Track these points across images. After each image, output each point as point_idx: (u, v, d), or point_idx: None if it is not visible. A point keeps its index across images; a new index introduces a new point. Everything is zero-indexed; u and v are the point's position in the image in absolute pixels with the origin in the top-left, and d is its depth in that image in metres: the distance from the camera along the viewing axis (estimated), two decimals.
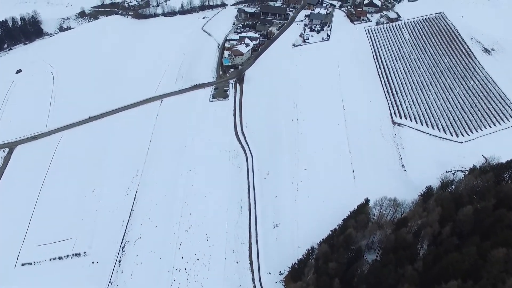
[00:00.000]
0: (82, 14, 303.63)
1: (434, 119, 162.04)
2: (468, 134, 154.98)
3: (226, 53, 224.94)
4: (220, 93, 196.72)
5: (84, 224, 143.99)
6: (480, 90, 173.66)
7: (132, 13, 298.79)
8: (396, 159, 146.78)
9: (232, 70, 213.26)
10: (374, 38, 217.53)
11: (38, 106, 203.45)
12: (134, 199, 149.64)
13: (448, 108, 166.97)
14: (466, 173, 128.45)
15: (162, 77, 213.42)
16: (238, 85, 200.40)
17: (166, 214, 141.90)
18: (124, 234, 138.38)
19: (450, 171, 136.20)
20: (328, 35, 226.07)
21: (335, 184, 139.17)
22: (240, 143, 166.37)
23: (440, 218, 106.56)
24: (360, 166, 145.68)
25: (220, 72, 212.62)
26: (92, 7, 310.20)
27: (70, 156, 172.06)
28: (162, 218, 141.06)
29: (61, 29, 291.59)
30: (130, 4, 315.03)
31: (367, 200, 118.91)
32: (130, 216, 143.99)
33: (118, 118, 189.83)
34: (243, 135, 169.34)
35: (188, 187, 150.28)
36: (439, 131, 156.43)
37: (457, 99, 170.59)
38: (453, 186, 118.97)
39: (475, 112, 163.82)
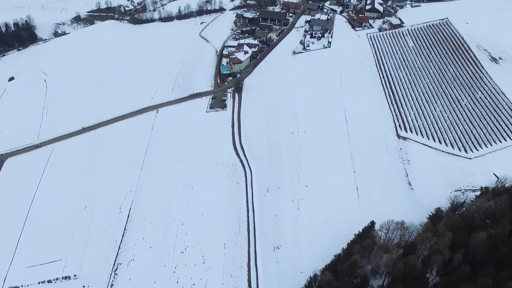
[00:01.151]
0: (77, 19, 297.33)
1: (441, 133, 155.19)
2: (477, 150, 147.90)
3: (224, 61, 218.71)
4: (217, 103, 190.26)
5: (75, 244, 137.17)
6: (488, 101, 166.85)
7: (128, 18, 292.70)
8: (402, 176, 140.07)
9: (230, 78, 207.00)
10: (376, 45, 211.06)
11: (30, 116, 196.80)
12: (128, 217, 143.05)
13: (455, 121, 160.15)
14: (477, 192, 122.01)
15: (158, 85, 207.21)
16: (236, 95, 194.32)
17: (161, 234, 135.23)
18: (117, 255, 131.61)
19: (459, 190, 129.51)
20: (329, 42, 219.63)
21: (338, 202, 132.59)
22: (239, 157, 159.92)
23: (451, 244, 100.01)
24: (364, 183, 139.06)
25: (218, 81, 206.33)
26: (87, 12, 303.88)
27: (62, 170, 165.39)
28: (156, 238, 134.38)
29: (56, 34, 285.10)
30: (126, 8, 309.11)
31: (372, 223, 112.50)
32: (123, 235, 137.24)
33: (112, 129, 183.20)
34: (242, 148, 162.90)
35: (184, 204, 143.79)
36: (447, 146, 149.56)
37: (464, 111, 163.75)
38: (464, 209, 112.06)
39: (484, 126, 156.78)
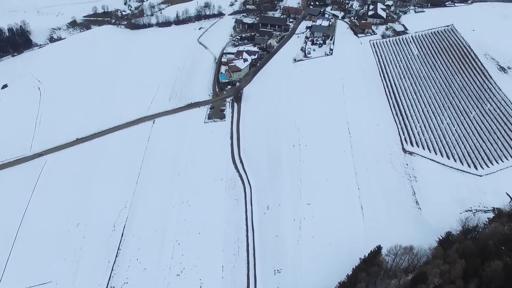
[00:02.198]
0: (73, 24, 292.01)
1: (448, 148, 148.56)
2: (488, 166, 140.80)
3: (223, 68, 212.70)
4: (216, 113, 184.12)
5: (66, 264, 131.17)
6: (498, 114, 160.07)
7: (125, 22, 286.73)
8: (408, 194, 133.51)
9: (229, 87, 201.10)
10: (380, 53, 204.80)
11: (23, 126, 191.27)
12: (122, 236, 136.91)
13: (464, 135, 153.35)
14: (489, 213, 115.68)
15: (155, 94, 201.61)
16: (235, 104, 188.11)
17: (156, 255, 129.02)
18: (110, 277, 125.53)
19: (469, 210, 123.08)
20: (331, 49, 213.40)
21: (342, 222, 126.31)
22: (238, 171, 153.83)
23: (463, 273, 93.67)
24: (369, 201, 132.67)
25: (217, 90, 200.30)
26: (83, 16, 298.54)
27: (54, 184, 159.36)
28: (151, 259, 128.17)
29: (51, 39, 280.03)
30: (124, 13, 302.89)
31: (379, 248, 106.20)
32: (116, 256, 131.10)
33: (107, 140, 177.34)
34: (241, 162, 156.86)
35: (180, 222, 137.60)
36: (455, 161, 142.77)
37: (473, 124, 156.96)
38: (476, 233, 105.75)
39: (494, 141, 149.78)
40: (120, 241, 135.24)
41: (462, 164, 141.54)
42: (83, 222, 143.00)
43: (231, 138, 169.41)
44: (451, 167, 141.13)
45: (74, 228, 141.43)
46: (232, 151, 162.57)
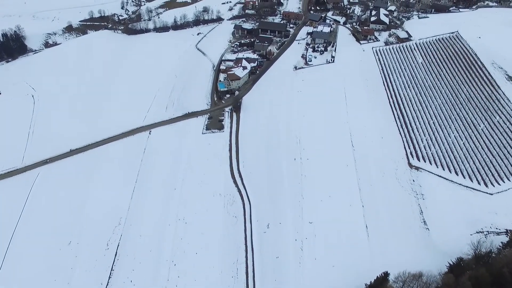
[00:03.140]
0: (69, 29, 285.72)
1: (457, 163, 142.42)
2: (498, 184, 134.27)
3: (221, 76, 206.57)
4: (214, 124, 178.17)
5: (57, 286, 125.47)
6: (507, 127, 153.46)
7: (122, 27, 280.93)
8: (416, 214, 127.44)
9: (228, 96, 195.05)
10: (383, 61, 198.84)
11: (15, 137, 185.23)
12: (115, 255, 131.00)
13: (472, 149, 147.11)
14: (501, 235, 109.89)
15: (152, 103, 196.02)
16: (234, 114, 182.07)
17: (151, 277, 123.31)
18: None
19: (481, 232, 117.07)
20: (333, 57, 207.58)
21: (346, 243, 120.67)
22: (237, 186, 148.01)
23: None
24: (375, 220, 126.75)
25: (215, 98, 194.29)
26: (80, 21, 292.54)
27: (45, 198, 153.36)
28: (146, 282, 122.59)
29: (47, 45, 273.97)
30: (121, 17, 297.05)
31: (386, 274, 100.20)
32: (109, 277, 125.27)
33: (101, 152, 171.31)
34: (240, 176, 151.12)
35: (176, 241, 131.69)
36: (464, 178, 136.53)
37: (482, 138, 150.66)
38: (490, 259, 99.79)
39: (505, 156, 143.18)
40: (114, 261, 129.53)
41: (472, 181, 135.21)
42: (75, 240, 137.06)
43: (230, 150, 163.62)
44: (459, 184, 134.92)
45: (65, 247, 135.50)
46: (231, 164, 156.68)
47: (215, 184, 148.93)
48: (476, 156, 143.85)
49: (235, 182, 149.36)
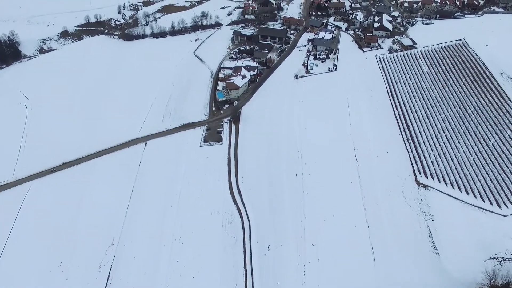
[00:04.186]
0: (64, 34, 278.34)
1: (467, 181, 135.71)
2: None
3: (220, 85, 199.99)
4: (212, 136, 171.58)
5: None
6: None
7: (119, 33, 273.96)
8: (425, 236, 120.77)
9: (226, 105, 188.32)
10: (387, 69, 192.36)
11: (6, 148, 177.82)
12: (108, 278, 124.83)
13: (483, 166, 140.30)
14: None
15: (148, 113, 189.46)
16: (233, 125, 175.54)
17: None
18: None
19: (495, 258, 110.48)
20: (335, 65, 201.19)
21: (351, 268, 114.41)
22: (235, 203, 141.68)
23: None
24: (381, 242, 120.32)
25: (213, 109, 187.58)
26: (75, 26, 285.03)
27: (36, 215, 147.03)
28: None
29: (41, 50, 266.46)
30: (117, 22, 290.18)
31: None
32: None
33: (95, 165, 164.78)
34: (239, 192, 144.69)
35: (172, 263, 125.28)
36: (475, 198, 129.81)
37: (492, 153, 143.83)
38: None
39: None
40: (106, 284, 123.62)
41: (484, 201, 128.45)
42: (66, 261, 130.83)
43: (229, 164, 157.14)
44: (470, 204, 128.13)
45: (56, 269, 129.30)
46: (230, 179, 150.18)
47: (213, 201, 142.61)
48: (488, 174, 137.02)
49: (234, 199, 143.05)
